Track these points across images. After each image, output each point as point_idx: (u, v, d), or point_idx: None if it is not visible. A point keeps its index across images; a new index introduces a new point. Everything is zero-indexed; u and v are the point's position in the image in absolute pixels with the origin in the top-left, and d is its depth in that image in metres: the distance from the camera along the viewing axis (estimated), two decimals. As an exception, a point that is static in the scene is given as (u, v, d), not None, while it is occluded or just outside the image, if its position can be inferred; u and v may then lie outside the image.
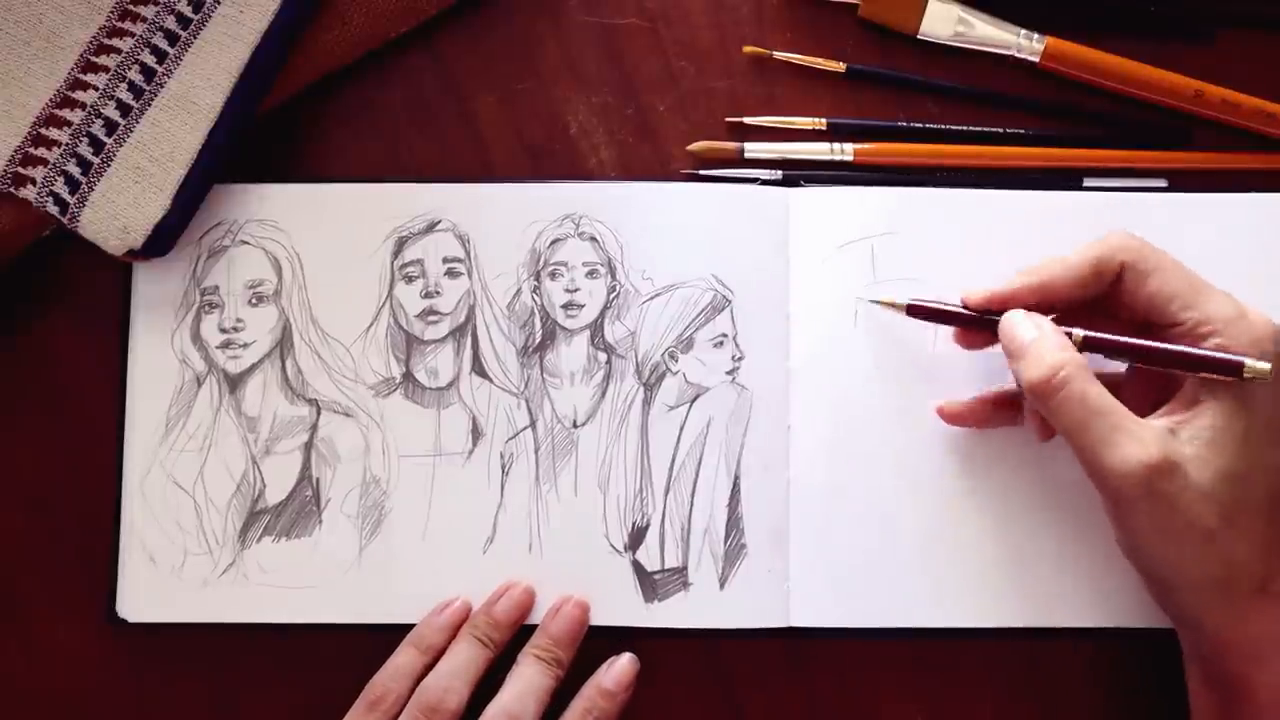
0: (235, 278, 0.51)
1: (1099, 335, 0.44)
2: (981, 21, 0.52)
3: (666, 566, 0.49)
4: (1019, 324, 0.44)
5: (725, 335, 0.50)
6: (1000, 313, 0.45)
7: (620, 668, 0.48)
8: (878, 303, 0.48)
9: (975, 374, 0.50)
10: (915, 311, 0.47)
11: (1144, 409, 0.43)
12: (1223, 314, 0.42)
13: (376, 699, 0.46)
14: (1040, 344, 0.43)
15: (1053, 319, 0.44)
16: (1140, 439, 0.41)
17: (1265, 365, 0.41)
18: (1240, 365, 0.41)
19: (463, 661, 0.47)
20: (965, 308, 0.46)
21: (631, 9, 0.54)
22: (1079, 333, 0.44)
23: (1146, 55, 0.52)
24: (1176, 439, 0.42)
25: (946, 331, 0.49)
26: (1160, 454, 0.41)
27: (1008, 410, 0.48)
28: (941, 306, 0.47)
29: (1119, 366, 0.46)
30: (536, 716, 0.46)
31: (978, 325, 0.46)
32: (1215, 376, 0.41)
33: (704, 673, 0.50)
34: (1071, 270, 0.44)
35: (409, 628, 0.48)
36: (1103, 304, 0.45)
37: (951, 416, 0.49)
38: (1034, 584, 0.49)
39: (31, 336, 0.52)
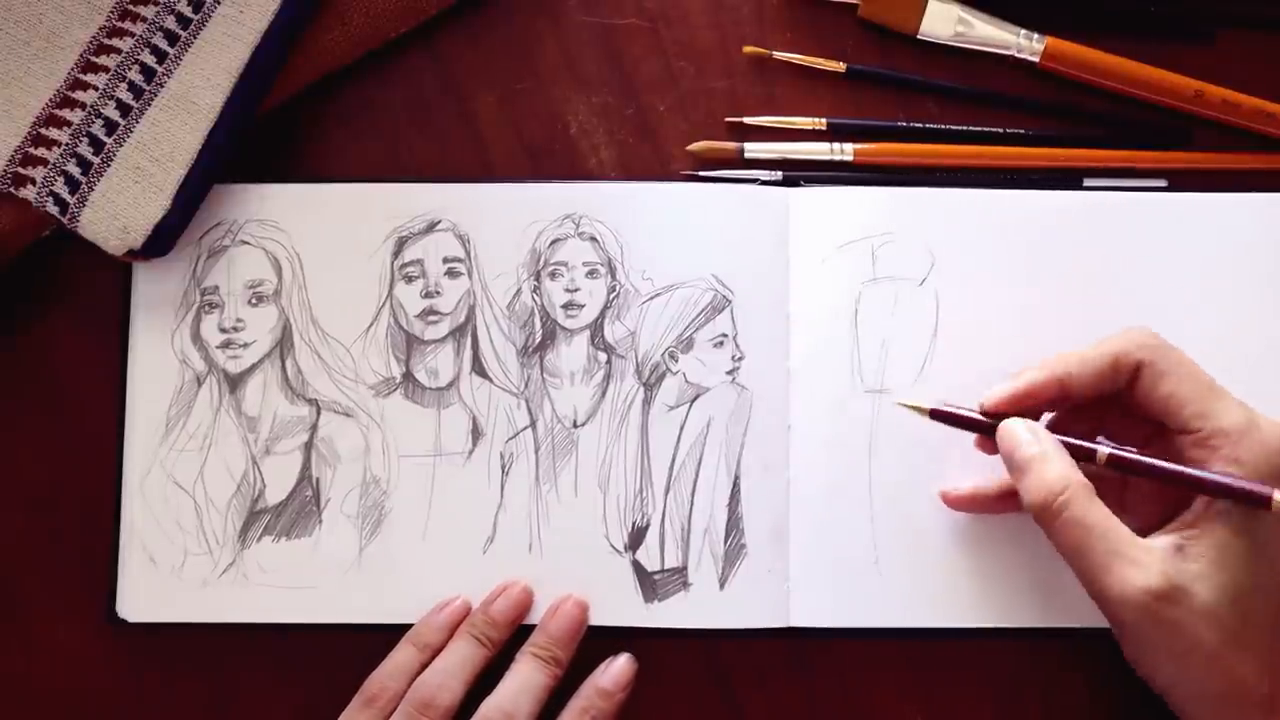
0: (235, 278, 0.51)
1: (1126, 455, 0.43)
2: (981, 21, 0.52)
3: (666, 566, 0.49)
4: (1019, 436, 0.43)
5: (725, 335, 0.50)
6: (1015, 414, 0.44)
7: (618, 668, 0.48)
8: (904, 405, 0.47)
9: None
10: (938, 416, 0.46)
11: (1155, 513, 0.43)
12: (1235, 425, 0.42)
13: (373, 696, 0.46)
14: (1040, 462, 0.43)
15: (1066, 426, 0.44)
16: (1141, 564, 0.41)
17: None
18: (1268, 499, 0.40)
19: (458, 659, 0.47)
20: (983, 413, 0.45)
21: (631, 9, 0.54)
22: (1104, 451, 0.43)
23: (1146, 55, 0.52)
24: (1182, 557, 0.41)
25: (941, 337, 0.49)
26: (1162, 579, 0.40)
27: (1012, 500, 0.47)
28: (963, 414, 0.46)
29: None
30: (531, 715, 0.46)
31: (992, 434, 0.45)
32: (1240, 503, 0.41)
33: (704, 673, 0.50)
34: (1089, 367, 0.44)
35: (409, 628, 0.48)
36: (1117, 399, 0.45)
37: (955, 503, 0.48)
38: (1034, 584, 0.49)
39: (31, 336, 0.52)
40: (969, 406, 0.46)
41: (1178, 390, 0.43)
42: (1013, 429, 0.44)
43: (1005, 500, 0.47)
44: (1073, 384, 0.44)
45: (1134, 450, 0.44)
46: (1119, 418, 0.45)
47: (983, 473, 0.49)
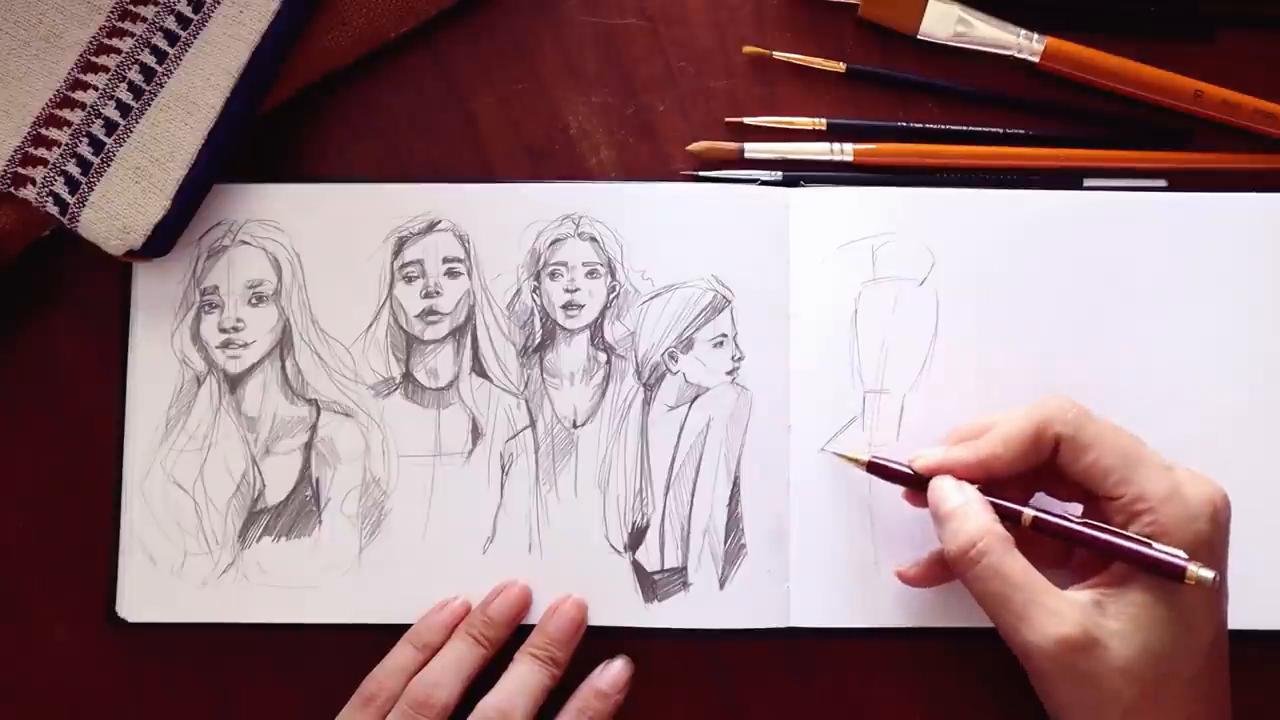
0: (235, 278, 0.51)
1: (1049, 519, 0.44)
2: (981, 21, 0.52)
3: (666, 566, 0.49)
4: (946, 491, 0.45)
5: (725, 335, 0.50)
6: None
7: (615, 670, 0.48)
8: (840, 455, 0.48)
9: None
10: (874, 469, 0.47)
11: (1083, 571, 0.44)
12: (1158, 492, 0.42)
13: (370, 695, 0.46)
14: (961, 514, 0.43)
15: (986, 493, 0.45)
16: (1058, 614, 0.41)
17: (1208, 574, 0.40)
18: (1183, 570, 0.41)
19: (455, 659, 0.47)
20: (911, 470, 0.46)
21: (631, 9, 0.54)
22: (1029, 513, 0.44)
23: (1146, 55, 0.52)
24: (1101, 613, 0.42)
25: (941, 337, 0.49)
26: (1080, 630, 0.41)
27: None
28: (894, 467, 0.47)
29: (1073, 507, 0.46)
30: (528, 714, 0.46)
31: (920, 489, 0.46)
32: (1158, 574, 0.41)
33: (704, 673, 0.50)
34: (1011, 447, 0.44)
35: (409, 628, 0.48)
36: (1043, 470, 0.45)
37: (912, 580, 0.48)
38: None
39: (31, 336, 0.52)
40: (902, 462, 0.47)
41: (1098, 460, 0.43)
42: (940, 485, 0.45)
43: (945, 574, 0.47)
44: (996, 466, 0.45)
45: (1059, 515, 0.44)
46: (1051, 478, 0.46)
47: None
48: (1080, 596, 0.42)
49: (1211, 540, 0.42)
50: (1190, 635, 0.42)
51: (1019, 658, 0.43)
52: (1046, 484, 0.46)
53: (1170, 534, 0.41)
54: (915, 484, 0.46)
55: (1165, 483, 0.42)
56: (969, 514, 0.43)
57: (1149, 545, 0.42)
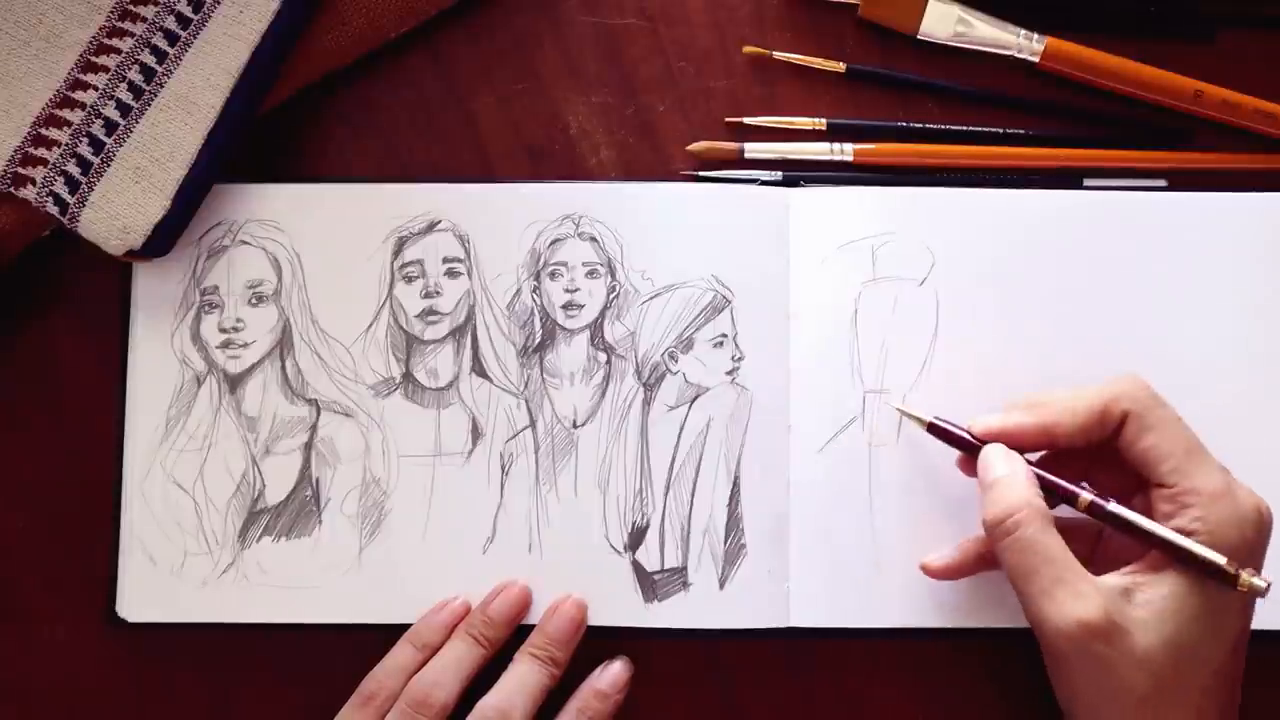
0: (235, 278, 0.51)
1: (1103, 505, 0.43)
2: (981, 21, 0.52)
3: (666, 566, 0.49)
4: (994, 460, 0.44)
5: (725, 335, 0.50)
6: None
7: (615, 670, 0.48)
8: (904, 411, 0.48)
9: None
10: (934, 430, 0.47)
11: (1116, 562, 0.43)
12: (1210, 488, 0.42)
13: (370, 695, 0.46)
14: (1004, 483, 0.43)
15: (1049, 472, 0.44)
16: (1084, 595, 0.41)
17: (1261, 582, 0.40)
18: (1235, 575, 0.40)
19: (454, 658, 0.47)
20: (972, 436, 0.46)
21: (631, 9, 0.54)
22: (1086, 496, 0.43)
23: (1146, 55, 0.52)
24: (1129, 601, 0.41)
25: (941, 337, 0.50)
26: (1102, 614, 0.41)
27: (987, 560, 0.47)
28: (956, 431, 0.47)
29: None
30: (528, 714, 0.46)
31: (968, 452, 0.46)
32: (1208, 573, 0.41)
33: (704, 673, 0.50)
34: (1077, 417, 0.44)
35: (409, 628, 0.48)
36: (1102, 446, 0.45)
37: (937, 572, 0.48)
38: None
39: (31, 336, 0.52)
40: (962, 426, 0.46)
41: (1159, 444, 0.43)
42: (992, 452, 0.45)
43: (980, 562, 0.47)
44: (1059, 433, 0.44)
45: (1113, 500, 0.44)
46: (1102, 464, 0.45)
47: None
48: (1111, 582, 0.42)
49: (1255, 546, 0.42)
50: (1216, 636, 0.42)
51: (1036, 634, 0.43)
52: (1097, 471, 0.46)
53: (1215, 532, 0.41)
54: (973, 449, 0.46)
55: (1219, 482, 0.42)
56: (1013, 484, 0.43)
57: (1206, 548, 0.41)
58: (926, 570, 0.48)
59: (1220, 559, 0.41)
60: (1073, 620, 0.41)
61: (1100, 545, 0.47)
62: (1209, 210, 0.51)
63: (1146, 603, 0.41)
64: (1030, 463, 0.45)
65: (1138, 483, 0.44)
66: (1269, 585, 0.40)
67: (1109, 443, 0.44)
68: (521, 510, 0.50)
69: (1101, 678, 0.41)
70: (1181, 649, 0.41)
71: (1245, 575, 0.40)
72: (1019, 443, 0.45)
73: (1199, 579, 0.41)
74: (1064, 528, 0.43)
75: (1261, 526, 0.42)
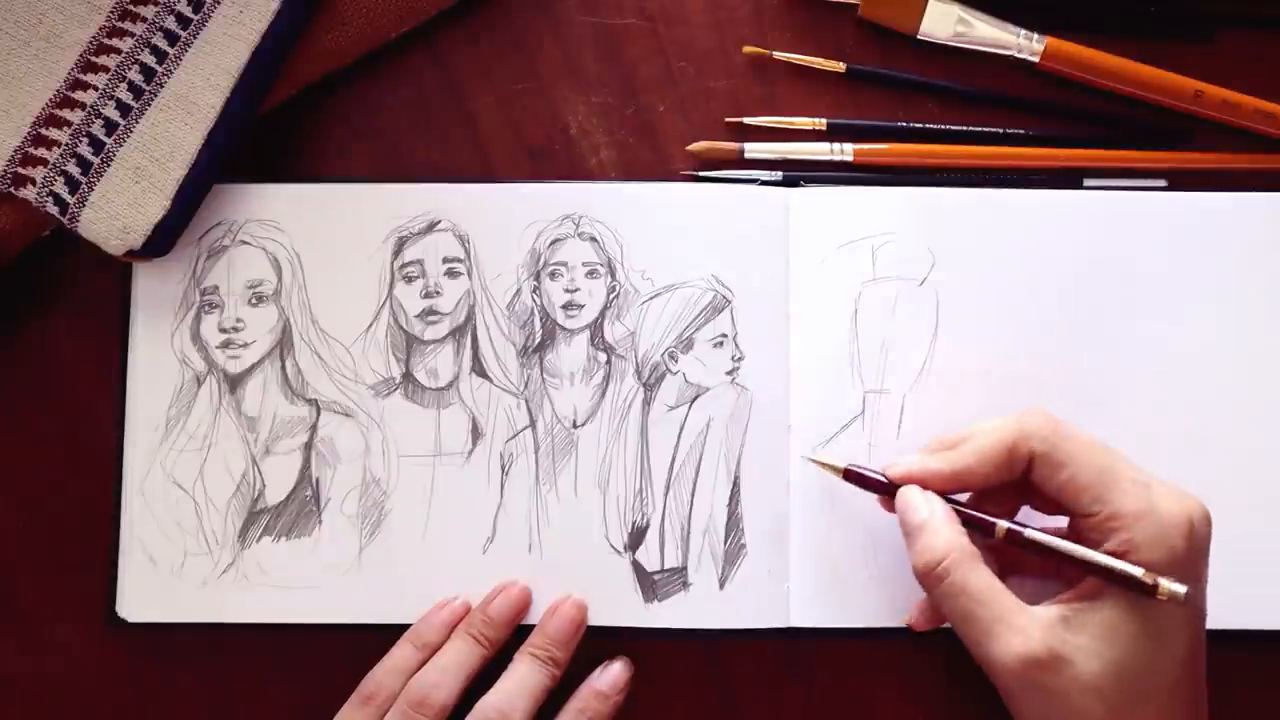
0: (235, 278, 0.51)
1: (1020, 531, 0.43)
2: (981, 21, 0.52)
3: (666, 566, 0.49)
4: (912, 502, 0.44)
5: (725, 335, 0.50)
6: None
7: (615, 671, 0.48)
8: (816, 463, 0.48)
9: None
10: (850, 477, 0.47)
11: (1048, 589, 0.43)
12: (1131, 509, 0.42)
13: (369, 694, 0.46)
14: (927, 529, 0.43)
15: (965, 505, 0.45)
16: (1023, 631, 0.41)
17: (1180, 588, 0.40)
18: (1154, 585, 0.40)
19: (455, 658, 0.47)
20: (885, 478, 0.46)
21: (631, 9, 0.54)
22: (1003, 525, 0.44)
23: (1146, 55, 0.52)
24: (1067, 628, 0.41)
25: (941, 337, 0.50)
26: (1043, 646, 0.41)
27: None
28: (869, 475, 0.47)
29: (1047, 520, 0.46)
30: (527, 714, 0.46)
31: (886, 494, 0.46)
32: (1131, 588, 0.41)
33: (704, 673, 0.50)
34: (987, 461, 0.44)
35: (409, 628, 0.48)
36: (1017, 486, 0.45)
37: (923, 627, 0.48)
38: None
39: (31, 336, 0.52)
40: (875, 469, 0.47)
41: (1073, 478, 0.43)
42: (907, 495, 0.45)
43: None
44: (971, 479, 0.45)
45: (1034, 528, 0.44)
46: (1033, 493, 0.45)
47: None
48: (1048, 613, 0.42)
49: (1186, 558, 0.41)
50: (1163, 652, 0.41)
51: (985, 672, 0.43)
52: (1032, 498, 0.46)
53: (1142, 551, 0.41)
54: (889, 492, 0.46)
55: (1140, 501, 0.42)
56: (935, 529, 0.43)
57: (1119, 560, 0.41)
58: (915, 629, 0.48)
59: (1136, 571, 0.40)
60: (1016, 657, 0.41)
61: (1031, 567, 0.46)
62: (1209, 210, 0.51)
63: (1086, 629, 0.41)
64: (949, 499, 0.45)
65: (1059, 512, 0.44)
66: (1187, 591, 0.40)
67: (1021, 482, 0.44)
68: (521, 510, 0.50)
69: (1054, 709, 0.41)
70: (1128, 672, 0.41)
71: (1164, 584, 0.40)
72: (934, 487, 0.45)
73: (1135, 602, 0.41)
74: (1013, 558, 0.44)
75: (1191, 534, 0.41)
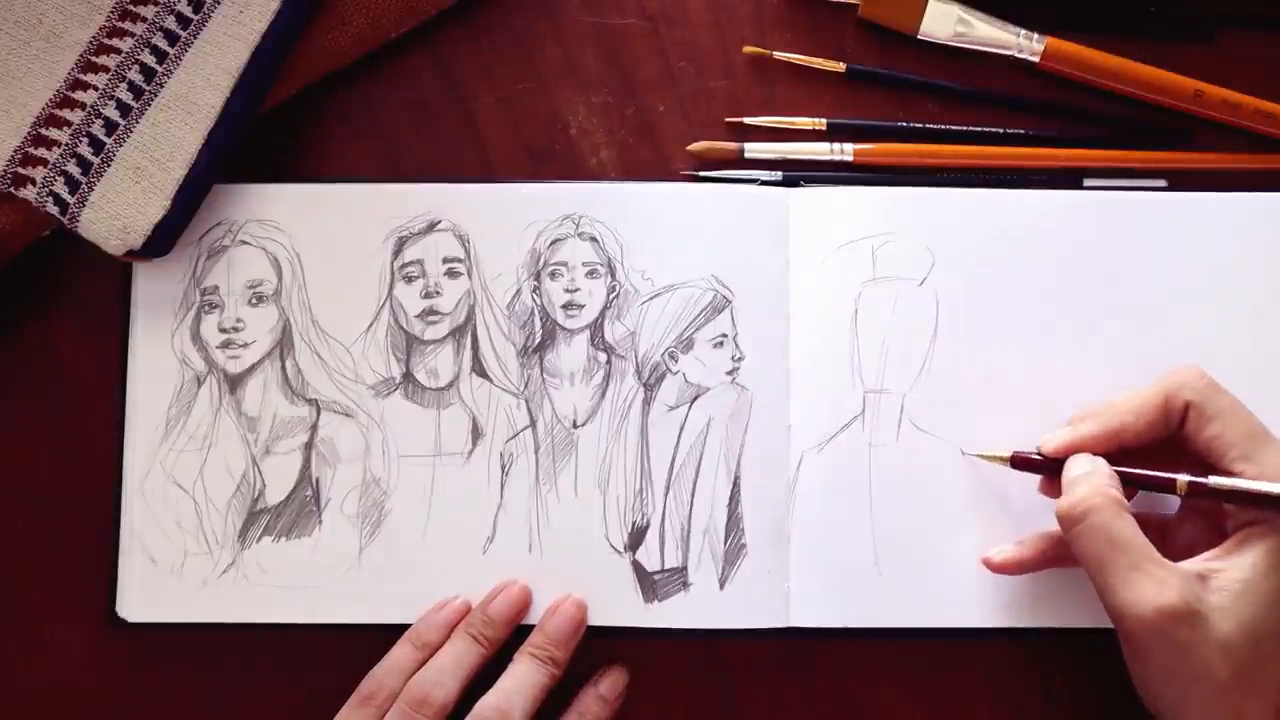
0: (235, 278, 0.51)
1: (1206, 482, 0.43)
2: (981, 21, 0.52)
3: (666, 566, 0.49)
4: (1077, 462, 0.45)
5: (725, 335, 0.50)
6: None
7: (615, 676, 0.49)
8: (981, 456, 0.48)
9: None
10: (1017, 463, 0.47)
11: (1187, 554, 0.43)
12: (1277, 471, 0.42)
13: (369, 694, 0.46)
14: (1081, 478, 0.43)
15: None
16: (1160, 580, 0.41)
17: None
18: None
19: (454, 658, 0.47)
20: (1041, 455, 0.46)
21: (631, 9, 0.54)
22: (1183, 478, 0.43)
23: (1146, 55, 0.52)
24: (1205, 586, 0.41)
25: (941, 337, 0.50)
26: (1179, 599, 0.40)
27: (1048, 557, 0.47)
28: (1035, 458, 0.47)
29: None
30: (527, 714, 0.46)
31: (1057, 474, 0.46)
32: None
33: (704, 673, 0.50)
34: (1141, 414, 0.44)
35: (409, 628, 0.48)
36: (1167, 447, 0.45)
37: (1002, 565, 0.47)
38: (1034, 584, 0.49)
39: (31, 336, 0.52)
40: (1035, 452, 0.47)
41: (1224, 434, 0.43)
42: (1075, 459, 0.45)
43: (1043, 559, 0.47)
44: (1127, 434, 0.45)
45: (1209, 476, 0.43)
46: (1164, 464, 0.45)
47: (983, 472, 0.49)
48: (1187, 567, 0.42)
49: None
50: None
51: (1114, 621, 0.42)
52: (1180, 459, 0.45)
53: None
54: (1054, 470, 0.46)
55: None
56: (1086, 478, 0.43)
57: None
58: (989, 565, 0.47)
59: None
60: (1151, 606, 0.40)
61: (1167, 540, 0.46)
62: (1209, 210, 0.51)
63: (1223, 589, 0.41)
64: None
65: (1203, 474, 0.44)
66: None
67: (1173, 436, 0.44)
68: (521, 510, 0.50)
69: (1182, 664, 0.41)
70: (1260, 634, 0.41)
71: None
72: (1093, 449, 0.45)
73: (1274, 564, 0.41)
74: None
75: None
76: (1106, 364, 0.50)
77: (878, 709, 0.50)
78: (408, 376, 0.51)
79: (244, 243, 0.51)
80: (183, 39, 0.50)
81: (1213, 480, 0.43)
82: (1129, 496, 0.44)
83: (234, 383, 0.51)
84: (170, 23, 0.50)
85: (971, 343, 0.50)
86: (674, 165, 0.53)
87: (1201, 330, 0.50)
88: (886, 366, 0.50)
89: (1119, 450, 0.45)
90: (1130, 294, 0.51)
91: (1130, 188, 0.52)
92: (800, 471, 0.49)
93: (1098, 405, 0.46)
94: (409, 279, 0.51)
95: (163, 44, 0.50)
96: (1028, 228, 0.51)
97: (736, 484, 0.50)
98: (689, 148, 0.52)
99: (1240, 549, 0.42)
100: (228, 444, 0.50)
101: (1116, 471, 0.44)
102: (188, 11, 0.50)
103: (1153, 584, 0.41)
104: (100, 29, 0.50)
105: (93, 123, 0.49)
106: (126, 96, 0.49)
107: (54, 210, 0.49)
